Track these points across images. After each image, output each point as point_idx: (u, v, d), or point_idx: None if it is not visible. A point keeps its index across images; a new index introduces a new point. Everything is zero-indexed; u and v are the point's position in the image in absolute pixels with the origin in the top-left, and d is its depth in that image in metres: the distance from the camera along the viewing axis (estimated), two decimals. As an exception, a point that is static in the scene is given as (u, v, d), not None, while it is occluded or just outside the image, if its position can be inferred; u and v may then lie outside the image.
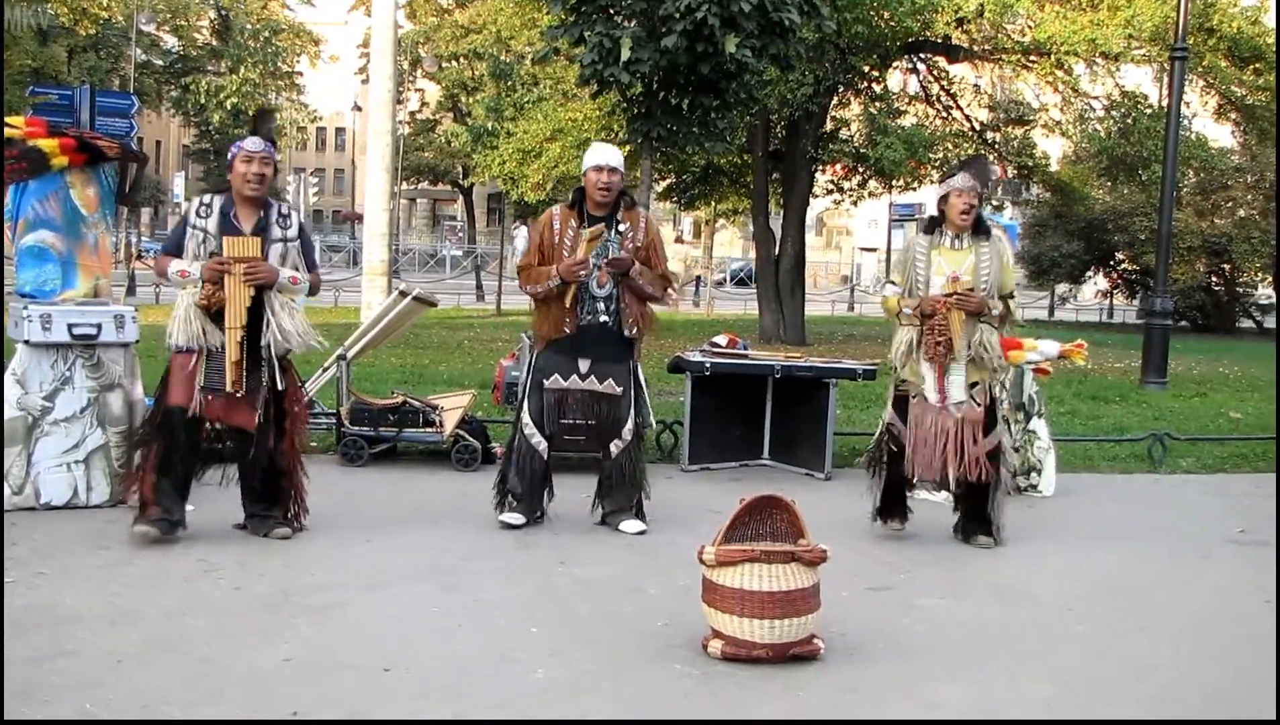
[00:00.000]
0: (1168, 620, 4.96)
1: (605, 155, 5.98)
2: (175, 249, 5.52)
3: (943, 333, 5.87)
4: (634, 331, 6.03)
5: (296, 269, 5.56)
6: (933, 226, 6.07)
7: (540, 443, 6.01)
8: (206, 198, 5.59)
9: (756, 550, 4.17)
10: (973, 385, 5.97)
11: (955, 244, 5.99)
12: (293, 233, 5.59)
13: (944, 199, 6.00)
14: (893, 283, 6.17)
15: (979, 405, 5.96)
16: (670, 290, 6.22)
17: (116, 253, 24.18)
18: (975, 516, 6.13)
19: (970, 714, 3.81)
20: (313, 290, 5.68)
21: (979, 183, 6.00)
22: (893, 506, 6.24)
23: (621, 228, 6.00)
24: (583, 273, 5.82)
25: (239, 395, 5.41)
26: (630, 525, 6.06)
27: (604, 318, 5.96)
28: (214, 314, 5.39)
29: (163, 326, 5.65)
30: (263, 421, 5.51)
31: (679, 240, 57.13)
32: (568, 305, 5.88)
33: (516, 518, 6.02)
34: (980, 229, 6.01)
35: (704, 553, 4.22)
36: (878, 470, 6.21)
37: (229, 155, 5.56)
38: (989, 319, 5.95)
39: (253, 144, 5.48)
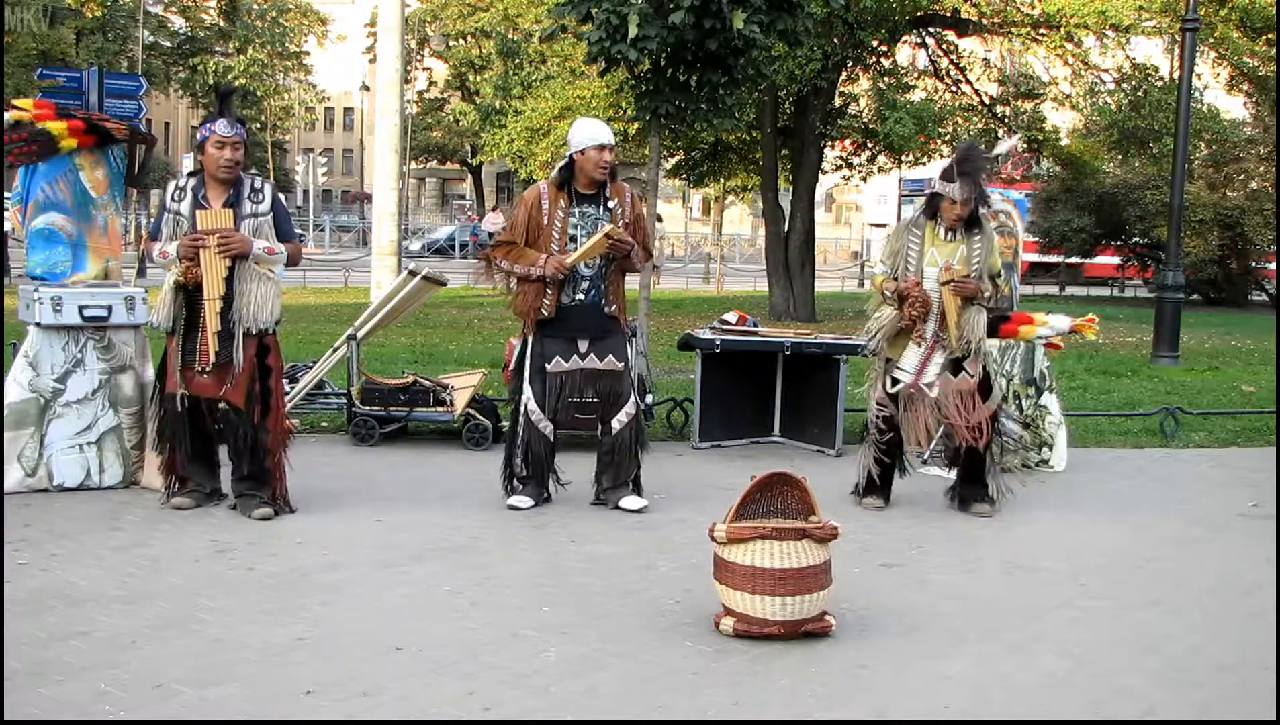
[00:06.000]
0: (1178, 594, 4.96)
1: (607, 133, 5.94)
2: (159, 233, 5.63)
3: (917, 316, 6.00)
4: (614, 308, 6.00)
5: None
6: (931, 213, 6.13)
7: (546, 426, 5.97)
8: (182, 181, 5.67)
9: (768, 527, 4.18)
10: (963, 358, 6.06)
11: (949, 236, 6.08)
12: (264, 207, 5.63)
13: (938, 196, 6.08)
14: (883, 263, 6.32)
15: (972, 376, 6.07)
16: (650, 259, 6.29)
17: (126, 235, 24.29)
18: (973, 482, 6.20)
19: (982, 688, 3.82)
20: (292, 260, 5.70)
21: (975, 190, 6.02)
22: (879, 485, 6.30)
23: (611, 204, 5.96)
24: (563, 275, 5.82)
25: (218, 366, 5.48)
26: (630, 502, 6.02)
27: (589, 297, 5.92)
28: (193, 291, 5.47)
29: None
30: (248, 397, 5.57)
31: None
32: (548, 287, 5.85)
33: (524, 501, 6.01)
34: (973, 223, 6.07)
35: (715, 530, 4.22)
36: (873, 449, 6.27)
37: (198, 137, 5.59)
38: (980, 301, 6.07)
39: (224, 127, 5.48)
